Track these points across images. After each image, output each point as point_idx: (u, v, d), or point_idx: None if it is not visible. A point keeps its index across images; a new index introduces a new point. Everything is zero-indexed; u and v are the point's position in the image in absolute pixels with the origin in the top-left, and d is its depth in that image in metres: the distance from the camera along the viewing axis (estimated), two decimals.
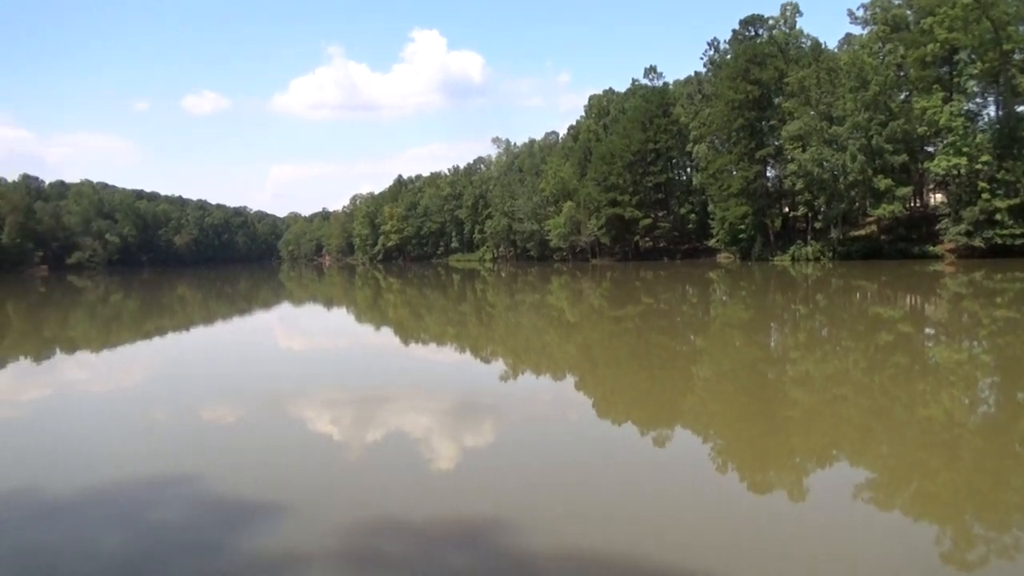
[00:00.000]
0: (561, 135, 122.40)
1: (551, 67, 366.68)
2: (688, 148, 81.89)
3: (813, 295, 34.98)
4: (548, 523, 6.79)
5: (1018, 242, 50.66)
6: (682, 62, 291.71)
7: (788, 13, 75.45)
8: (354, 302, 47.39)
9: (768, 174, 71.32)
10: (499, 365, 18.40)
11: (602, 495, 7.64)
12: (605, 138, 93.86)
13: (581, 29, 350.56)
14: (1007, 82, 52.89)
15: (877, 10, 63.47)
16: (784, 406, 12.17)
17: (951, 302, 28.82)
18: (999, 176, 51.52)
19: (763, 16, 77.21)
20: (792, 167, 61.25)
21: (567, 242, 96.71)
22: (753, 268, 60.24)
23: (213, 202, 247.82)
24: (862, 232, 63.39)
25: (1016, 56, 52.92)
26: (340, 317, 37.62)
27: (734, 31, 78.78)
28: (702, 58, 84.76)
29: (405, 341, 24.42)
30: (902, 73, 59.79)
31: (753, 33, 77.47)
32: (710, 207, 76.63)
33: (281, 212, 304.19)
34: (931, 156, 57.84)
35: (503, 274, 76.04)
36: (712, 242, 77.50)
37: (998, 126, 54.49)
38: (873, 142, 56.33)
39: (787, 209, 72.96)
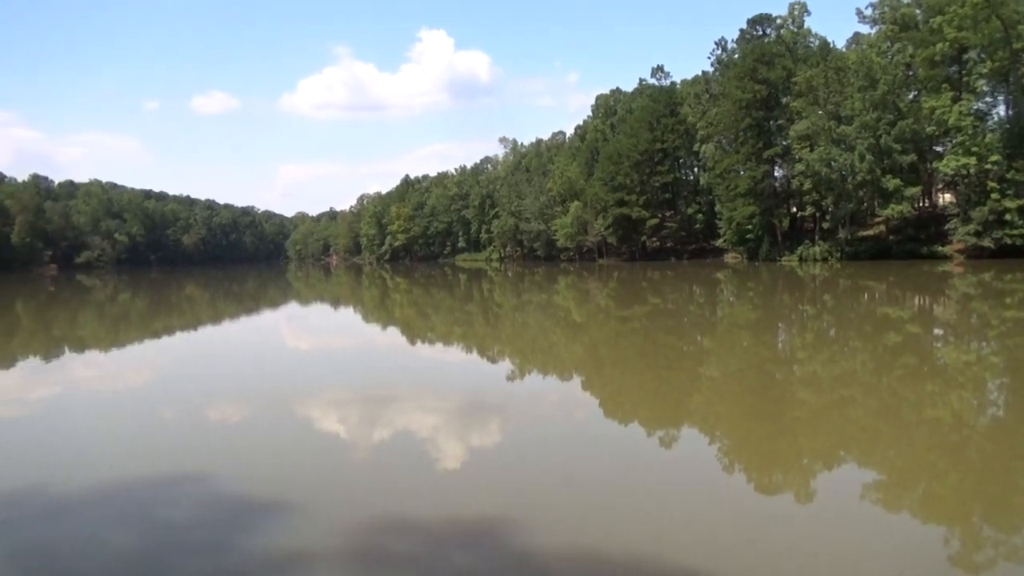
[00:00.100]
0: (568, 135, 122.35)
1: (559, 67, 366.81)
2: (695, 148, 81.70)
3: (821, 295, 34.86)
4: (555, 523, 6.79)
5: None
6: (689, 62, 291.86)
7: (796, 12, 75.22)
8: (361, 302, 47.48)
9: (776, 174, 71.10)
10: (506, 365, 18.41)
11: (609, 495, 7.64)
12: (612, 138, 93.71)
13: (589, 29, 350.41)
14: (1017, 81, 52.61)
15: (886, 9, 63.16)
16: (792, 407, 12.14)
17: (960, 303, 28.68)
18: (1009, 176, 51.22)
19: (771, 15, 77.08)
20: (800, 167, 61.04)
21: (574, 242, 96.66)
22: (760, 268, 60.06)
23: (221, 202, 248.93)
24: (870, 232, 63.11)
25: None
26: (347, 317, 37.71)
27: (742, 30, 78.67)
28: (709, 57, 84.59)
29: (412, 341, 24.46)
30: (911, 72, 59.49)
31: (761, 32, 77.27)
32: (717, 207, 76.42)
33: (289, 212, 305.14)
34: (940, 156, 57.54)
35: (510, 274, 76.05)
36: (719, 242, 77.30)
37: (1008, 126, 54.20)
38: (882, 142, 56.08)
39: (795, 209, 72.67)
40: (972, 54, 54.06)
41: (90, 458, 9.51)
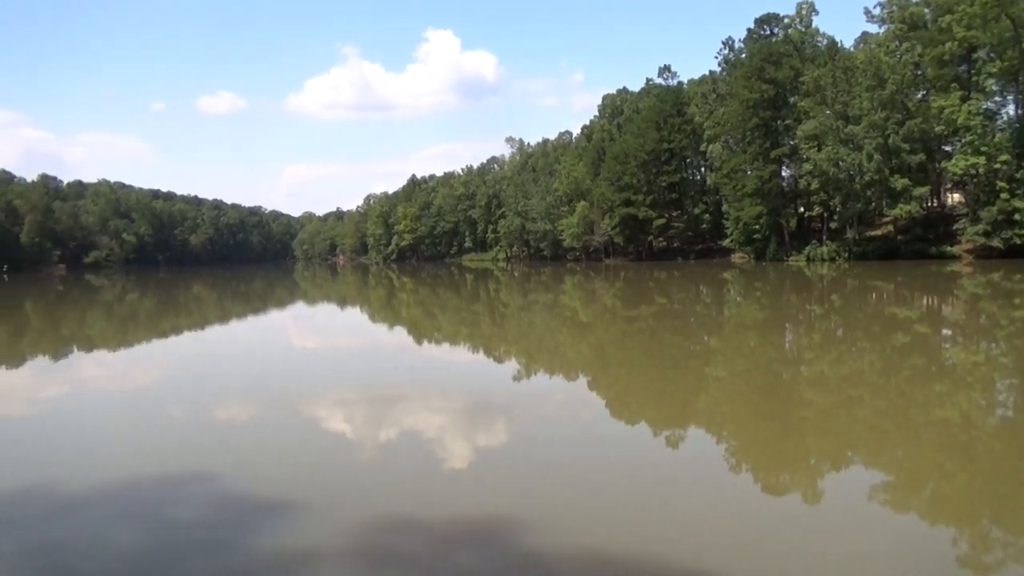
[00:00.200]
0: (575, 135, 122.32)
1: (565, 67, 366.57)
2: (702, 148, 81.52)
3: (828, 295, 34.74)
4: (561, 523, 6.78)
5: None
6: (696, 61, 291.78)
7: (804, 12, 74.97)
8: (368, 301, 47.56)
9: (783, 174, 70.88)
10: (512, 365, 18.41)
11: (616, 495, 7.62)
12: (619, 138, 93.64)
13: (595, 29, 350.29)
14: None
15: (894, 8, 62.88)
16: (799, 407, 12.10)
17: (968, 303, 28.54)
18: (1018, 176, 50.95)
19: (779, 15, 76.85)
20: (807, 167, 60.84)
21: (580, 242, 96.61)
22: (768, 268, 59.90)
23: (228, 202, 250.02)
24: (878, 232, 62.87)
25: None
26: (354, 316, 37.77)
27: (749, 30, 78.45)
28: (717, 57, 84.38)
29: (419, 340, 24.49)
30: (919, 72, 59.22)
31: (768, 32, 77.05)
32: (724, 207, 76.28)
33: (295, 212, 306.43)
34: (949, 156, 57.28)
35: (516, 274, 76.04)
36: (726, 242, 77.14)
37: (1017, 125, 53.91)
38: (890, 141, 55.85)
39: (802, 209, 72.46)
40: (981, 53, 53.76)
41: (97, 457, 9.55)
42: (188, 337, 27.30)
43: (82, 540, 6.73)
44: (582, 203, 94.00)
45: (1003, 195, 50.77)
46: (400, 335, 26.78)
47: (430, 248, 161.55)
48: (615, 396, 13.86)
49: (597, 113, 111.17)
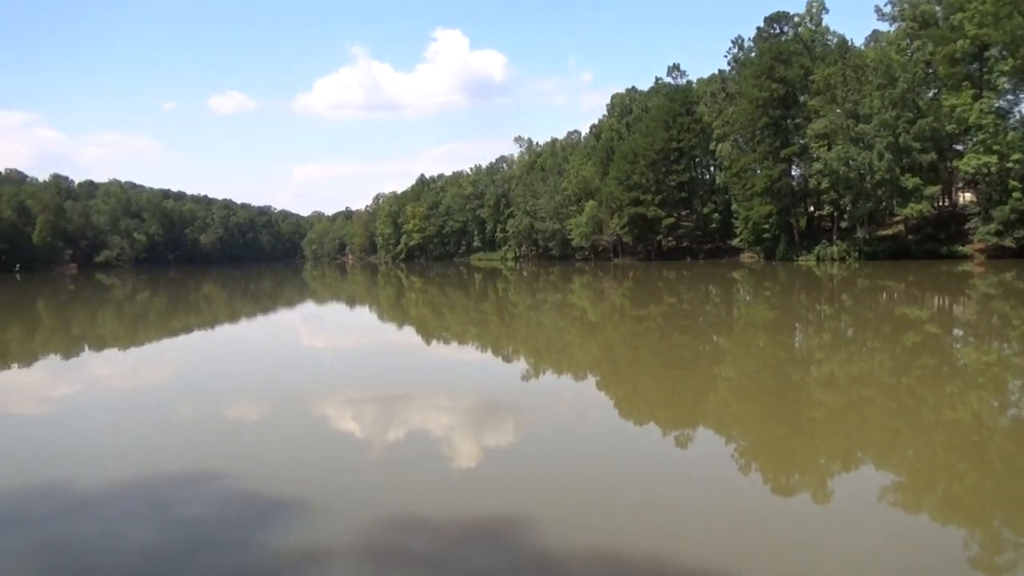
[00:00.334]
0: (583, 134, 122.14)
1: (573, 66, 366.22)
2: (711, 147, 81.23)
3: (838, 295, 34.58)
4: (571, 522, 6.78)
5: None
6: (706, 60, 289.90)
7: (814, 10, 74.63)
8: (377, 301, 47.67)
9: (793, 173, 70.53)
10: (521, 364, 18.42)
11: (625, 495, 7.62)
12: (628, 137, 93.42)
13: (604, 28, 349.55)
14: None
15: (905, 6, 62.50)
16: (809, 407, 12.05)
17: (980, 303, 28.35)
18: None
19: (788, 13, 76.50)
20: (817, 166, 60.54)
21: (589, 241, 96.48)
22: (777, 268, 59.68)
23: (238, 201, 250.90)
24: (889, 232, 62.52)
25: None
26: (363, 316, 37.87)
27: (759, 28, 78.12)
28: (726, 56, 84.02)
29: (427, 340, 24.52)
30: (930, 70, 58.82)
31: (778, 30, 76.72)
32: (734, 206, 76.01)
33: (305, 211, 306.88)
34: (960, 154, 56.86)
35: (525, 273, 76.04)
36: (736, 242, 76.85)
37: None
38: (900, 140, 55.51)
39: (812, 208, 72.11)
40: (993, 51, 53.30)
41: (109, 455, 9.62)
42: (198, 336, 27.44)
43: (94, 537, 6.78)
44: (591, 202, 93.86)
45: (1015, 194, 50.35)
46: (409, 334, 26.82)
47: (439, 247, 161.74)
48: (624, 396, 13.85)
49: (606, 112, 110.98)
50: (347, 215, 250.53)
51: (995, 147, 50.71)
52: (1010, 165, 50.63)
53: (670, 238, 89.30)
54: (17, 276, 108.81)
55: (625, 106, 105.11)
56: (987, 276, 39.99)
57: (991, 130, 51.02)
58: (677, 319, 27.27)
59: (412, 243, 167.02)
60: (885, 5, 64.84)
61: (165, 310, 41.50)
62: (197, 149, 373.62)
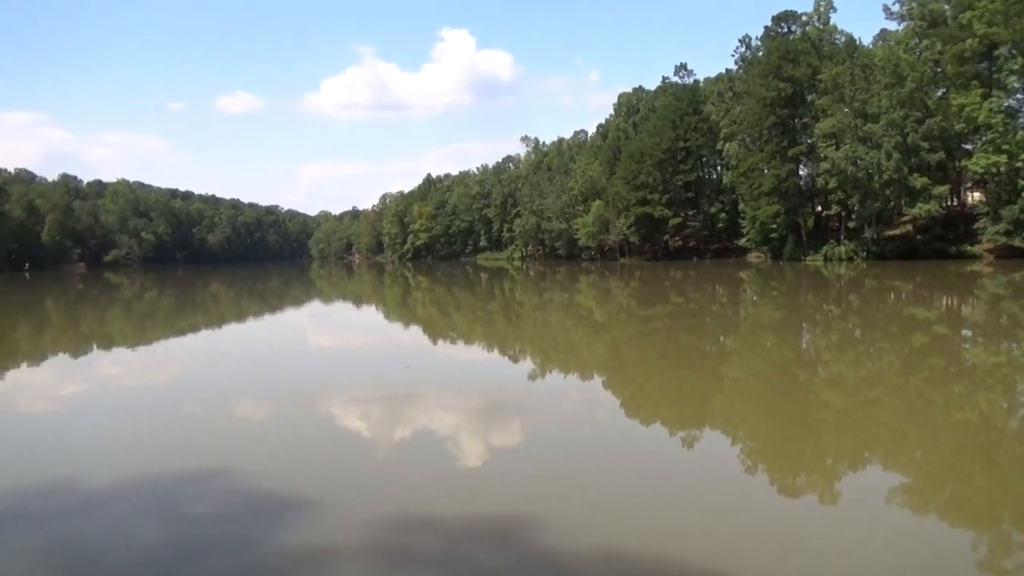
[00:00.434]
0: (590, 134, 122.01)
1: (580, 65, 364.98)
2: (719, 146, 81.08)
3: (846, 295, 34.46)
4: (577, 522, 6.78)
5: None
6: (713, 60, 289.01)
7: (822, 9, 74.37)
8: (384, 300, 47.75)
9: (800, 172, 70.33)
10: (527, 364, 18.42)
11: (631, 495, 7.61)
12: (635, 136, 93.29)
13: (610, 27, 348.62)
14: None
15: (914, 5, 62.17)
16: (816, 408, 12.01)
17: (989, 303, 28.21)
18: None
19: (796, 12, 76.24)
20: (825, 165, 60.34)
21: (596, 241, 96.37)
22: (784, 268, 59.50)
23: (245, 201, 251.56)
24: (897, 231, 62.25)
25: None
26: (370, 315, 37.93)
27: (766, 28, 77.91)
28: (733, 55, 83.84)
29: (434, 339, 24.55)
30: (939, 69, 58.51)
31: (786, 29, 76.48)
32: (741, 206, 75.78)
33: (312, 211, 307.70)
34: (969, 154, 56.55)
35: (531, 273, 76.03)
36: (743, 241, 76.65)
37: None
38: (909, 140, 55.26)
39: (820, 208, 71.85)
40: (1003, 50, 52.99)
41: (117, 453, 9.66)
42: (206, 335, 27.54)
43: (103, 535, 6.81)
44: (597, 202, 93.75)
45: None
46: (416, 333, 26.86)
47: (445, 247, 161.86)
48: (630, 396, 13.84)
49: (613, 112, 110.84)
50: (354, 215, 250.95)
51: (1004, 146, 50.42)
52: (1019, 165, 50.31)
53: (677, 238, 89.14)
54: (27, 275, 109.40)
55: (632, 105, 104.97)
56: (996, 276, 39.78)
57: (1000, 129, 50.74)
58: (684, 319, 27.22)
59: (419, 243, 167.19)
60: (893, 4, 64.57)
61: (173, 309, 41.67)
62: (205, 149, 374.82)
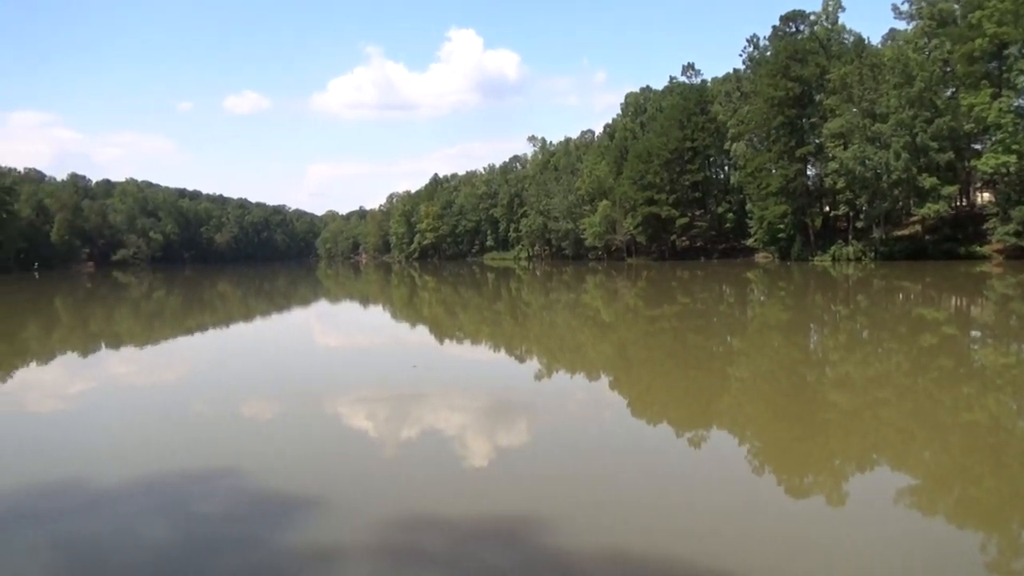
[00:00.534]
0: (597, 133, 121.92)
1: (587, 65, 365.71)
2: (726, 146, 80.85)
3: (854, 296, 34.33)
4: (584, 522, 6.78)
5: None
6: (720, 59, 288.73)
7: (830, 8, 74.08)
8: (390, 300, 47.81)
9: (808, 172, 70.06)
10: (534, 364, 18.41)
11: (638, 495, 7.60)
12: (642, 136, 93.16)
13: (617, 27, 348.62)
14: None
15: (923, 4, 61.89)
16: (823, 408, 11.97)
17: (998, 304, 28.05)
18: None
19: (804, 12, 75.95)
20: (833, 165, 60.10)
21: (602, 241, 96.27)
22: (792, 268, 59.32)
23: (253, 200, 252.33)
24: (906, 232, 61.97)
25: None
26: (377, 315, 37.99)
27: (774, 27, 77.66)
28: (741, 55, 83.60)
29: (441, 339, 24.57)
30: (948, 69, 58.23)
31: (794, 29, 76.22)
32: (748, 206, 75.58)
33: (319, 210, 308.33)
34: (979, 154, 56.27)
35: (538, 273, 76.01)
36: (750, 242, 76.43)
37: None
38: (918, 140, 55.01)
39: (828, 208, 71.61)
40: (1013, 49, 52.71)
41: (126, 452, 9.70)
42: (213, 334, 27.63)
43: (111, 533, 6.84)
44: (604, 202, 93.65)
45: None
46: (423, 333, 26.88)
47: (452, 247, 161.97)
48: (637, 396, 13.82)
49: (620, 111, 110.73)
50: (361, 214, 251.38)
51: (1014, 147, 50.13)
52: None
53: (684, 238, 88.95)
54: (36, 274, 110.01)
55: (639, 105, 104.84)
56: (1005, 277, 39.56)
57: (1010, 129, 50.46)
58: (691, 319, 27.17)
59: (425, 242, 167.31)
60: (902, 3, 64.28)
61: (181, 308, 41.83)
62: (212, 148, 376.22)
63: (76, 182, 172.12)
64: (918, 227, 60.88)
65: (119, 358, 20.74)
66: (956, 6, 58.76)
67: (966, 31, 54.02)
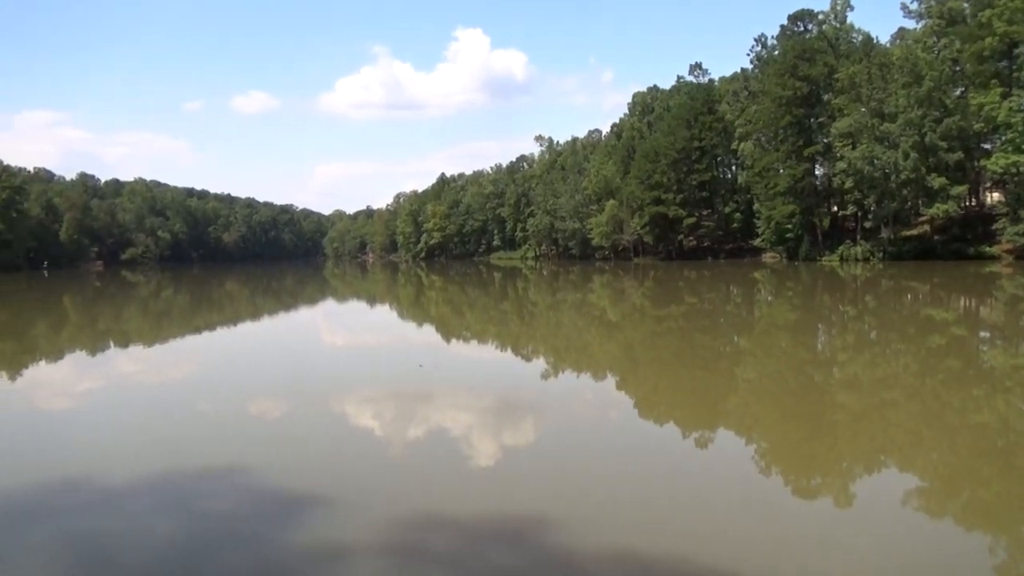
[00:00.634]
0: (604, 133, 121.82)
1: (594, 64, 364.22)
2: (734, 146, 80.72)
3: (862, 296, 34.19)
4: (590, 522, 6.77)
5: None
6: (728, 59, 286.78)
7: (839, 7, 73.86)
8: (397, 299, 47.88)
9: (816, 172, 69.86)
10: (541, 363, 18.41)
11: (645, 495, 7.60)
12: (649, 136, 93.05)
13: (625, 26, 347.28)
14: None
15: (932, 3, 61.62)
16: (831, 409, 11.93)
17: (1008, 304, 27.90)
18: None
19: (813, 11, 75.81)
20: (841, 165, 59.89)
21: (609, 241, 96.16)
22: (800, 268, 59.13)
23: (261, 200, 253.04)
24: (914, 232, 61.68)
25: None
26: (384, 314, 38.06)
27: (782, 26, 77.52)
28: (749, 54, 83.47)
29: (447, 338, 24.59)
30: (958, 68, 57.94)
31: (802, 28, 76.05)
32: (756, 206, 75.38)
33: (326, 210, 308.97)
34: (988, 154, 55.99)
35: (545, 272, 75.99)
36: (757, 241, 76.24)
37: None
38: (927, 139, 54.75)
39: (836, 208, 71.36)
40: (1023, 48, 52.42)
41: (133, 450, 9.74)
42: (221, 333, 27.73)
43: (119, 530, 6.88)
44: (611, 202, 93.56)
45: None
46: (429, 333, 26.92)
47: (459, 246, 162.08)
48: (644, 396, 13.80)
49: (627, 111, 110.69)
50: (368, 214, 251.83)
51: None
52: None
53: (691, 238, 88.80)
54: (45, 273, 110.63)
55: (646, 105, 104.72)
56: (1015, 277, 39.34)
57: (1020, 129, 50.13)
58: (698, 319, 27.11)
59: (432, 242, 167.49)
60: (912, 2, 64.04)
61: (189, 307, 42.00)
62: (220, 148, 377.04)
63: (85, 181, 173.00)
64: (927, 227, 60.60)
65: (128, 356, 20.84)
66: (966, 5, 58.48)
67: (976, 30, 53.73)
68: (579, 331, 24.89)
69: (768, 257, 75.10)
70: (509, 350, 21.07)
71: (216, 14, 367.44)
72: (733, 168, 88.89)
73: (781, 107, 66.66)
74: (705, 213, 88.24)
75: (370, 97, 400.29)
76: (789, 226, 68.38)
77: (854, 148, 59.12)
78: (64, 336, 26.50)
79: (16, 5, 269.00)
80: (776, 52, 75.56)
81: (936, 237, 59.29)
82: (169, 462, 8.98)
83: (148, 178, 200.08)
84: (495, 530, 6.77)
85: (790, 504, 7.47)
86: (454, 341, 23.85)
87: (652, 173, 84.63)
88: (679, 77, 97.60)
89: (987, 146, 57.86)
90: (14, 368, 18.39)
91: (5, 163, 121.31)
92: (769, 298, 35.95)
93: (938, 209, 55.70)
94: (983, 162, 56.20)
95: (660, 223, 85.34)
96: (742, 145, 77.24)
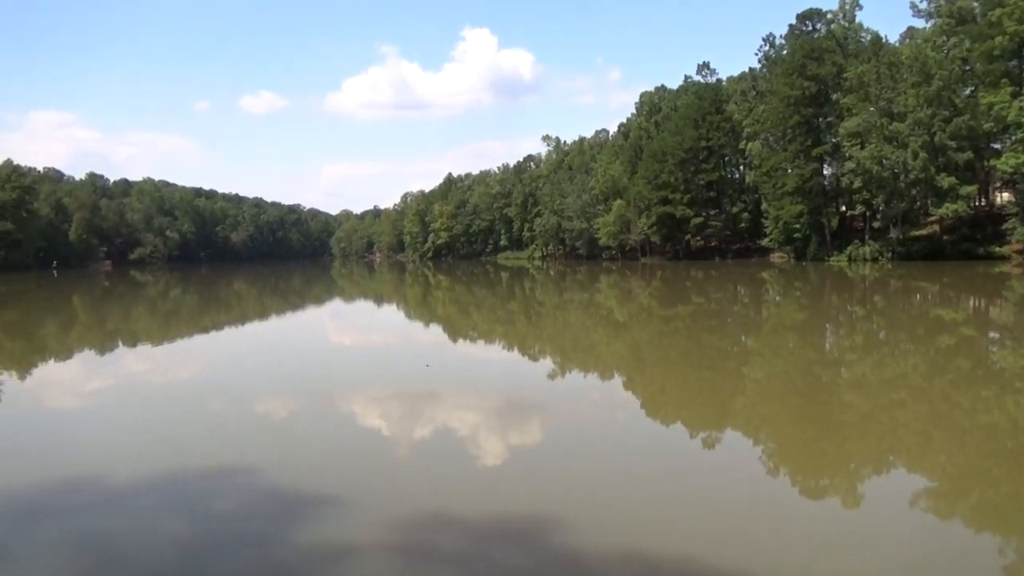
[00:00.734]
0: (612, 133, 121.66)
1: (601, 64, 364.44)
2: (741, 146, 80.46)
3: (870, 296, 34.05)
4: (598, 521, 6.77)
5: None
6: (736, 58, 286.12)
7: (847, 7, 73.49)
8: (404, 299, 47.95)
9: (825, 172, 69.58)
10: (548, 363, 18.41)
11: (652, 495, 7.59)
12: (656, 136, 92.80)
13: (632, 26, 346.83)
14: None
15: (942, 2, 61.25)
16: (839, 410, 11.89)
17: (1017, 304, 27.73)
18: None
19: (821, 10, 75.41)
20: (850, 165, 59.63)
21: (616, 241, 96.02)
22: (808, 268, 58.92)
23: (268, 200, 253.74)
24: (923, 232, 61.37)
25: None
26: (391, 314, 38.12)
27: (791, 26, 77.11)
28: (757, 54, 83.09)
29: (454, 338, 24.61)
30: (967, 67, 57.61)
31: (810, 28, 75.68)
32: (763, 206, 75.13)
33: (334, 210, 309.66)
34: (998, 153, 55.61)
35: (552, 272, 75.96)
36: (765, 241, 75.99)
37: None
38: (936, 139, 54.45)
39: (844, 208, 71.04)
40: None
41: (140, 449, 9.79)
42: (229, 333, 27.83)
43: (127, 529, 6.91)
44: (618, 201, 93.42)
45: None
46: (436, 333, 26.94)
47: (466, 246, 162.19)
48: (651, 396, 13.78)
49: (634, 111, 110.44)
50: (375, 214, 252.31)
51: None
52: None
53: (698, 238, 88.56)
54: (54, 272, 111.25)
55: (654, 104, 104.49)
56: None
57: None
58: (705, 319, 27.05)
59: (439, 242, 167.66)
60: (921, 1, 63.61)
61: (197, 307, 42.16)
62: (228, 148, 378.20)
63: (94, 181, 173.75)
64: (936, 227, 60.29)
65: (136, 356, 20.94)
66: (975, 3, 58.09)
67: (986, 29, 53.40)
68: (586, 331, 24.87)
69: (776, 257, 74.86)
70: (516, 350, 21.07)
71: (224, 14, 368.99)
72: (741, 168, 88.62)
73: (789, 107, 66.40)
74: (712, 213, 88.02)
75: (378, 97, 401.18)
76: (797, 226, 68.14)
77: (863, 148, 58.85)
78: (73, 336, 26.65)
79: (23, 6, 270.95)
80: (784, 51, 75.23)
81: (945, 237, 58.97)
82: (178, 461, 9.02)
83: (157, 178, 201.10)
84: (502, 530, 6.78)
85: (798, 505, 7.45)
86: (461, 341, 23.87)
87: (659, 173, 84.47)
88: (687, 77, 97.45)
89: (997, 146, 57.49)
90: (23, 367, 18.51)
91: (15, 163, 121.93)
92: (777, 298, 35.84)
93: (947, 209, 55.39)
94: (993, 162, 55.83)
95: (667, 223, 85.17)
96: (750, 145, 76.98)
